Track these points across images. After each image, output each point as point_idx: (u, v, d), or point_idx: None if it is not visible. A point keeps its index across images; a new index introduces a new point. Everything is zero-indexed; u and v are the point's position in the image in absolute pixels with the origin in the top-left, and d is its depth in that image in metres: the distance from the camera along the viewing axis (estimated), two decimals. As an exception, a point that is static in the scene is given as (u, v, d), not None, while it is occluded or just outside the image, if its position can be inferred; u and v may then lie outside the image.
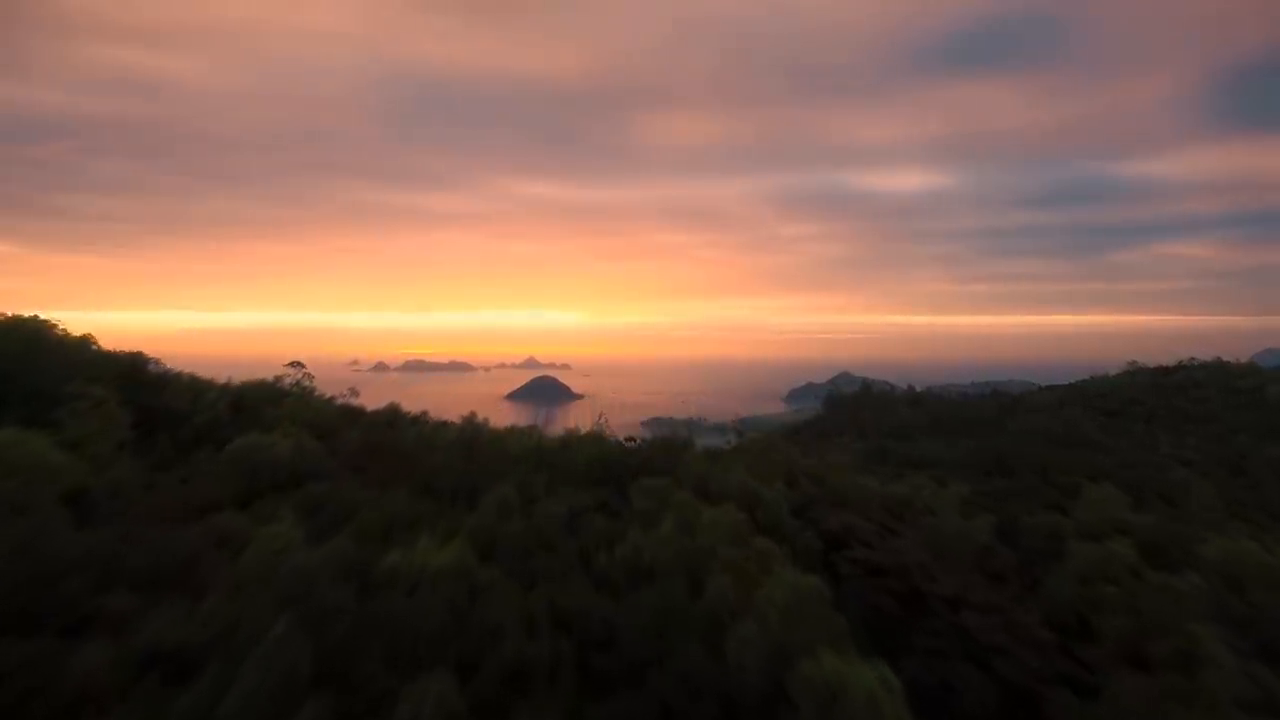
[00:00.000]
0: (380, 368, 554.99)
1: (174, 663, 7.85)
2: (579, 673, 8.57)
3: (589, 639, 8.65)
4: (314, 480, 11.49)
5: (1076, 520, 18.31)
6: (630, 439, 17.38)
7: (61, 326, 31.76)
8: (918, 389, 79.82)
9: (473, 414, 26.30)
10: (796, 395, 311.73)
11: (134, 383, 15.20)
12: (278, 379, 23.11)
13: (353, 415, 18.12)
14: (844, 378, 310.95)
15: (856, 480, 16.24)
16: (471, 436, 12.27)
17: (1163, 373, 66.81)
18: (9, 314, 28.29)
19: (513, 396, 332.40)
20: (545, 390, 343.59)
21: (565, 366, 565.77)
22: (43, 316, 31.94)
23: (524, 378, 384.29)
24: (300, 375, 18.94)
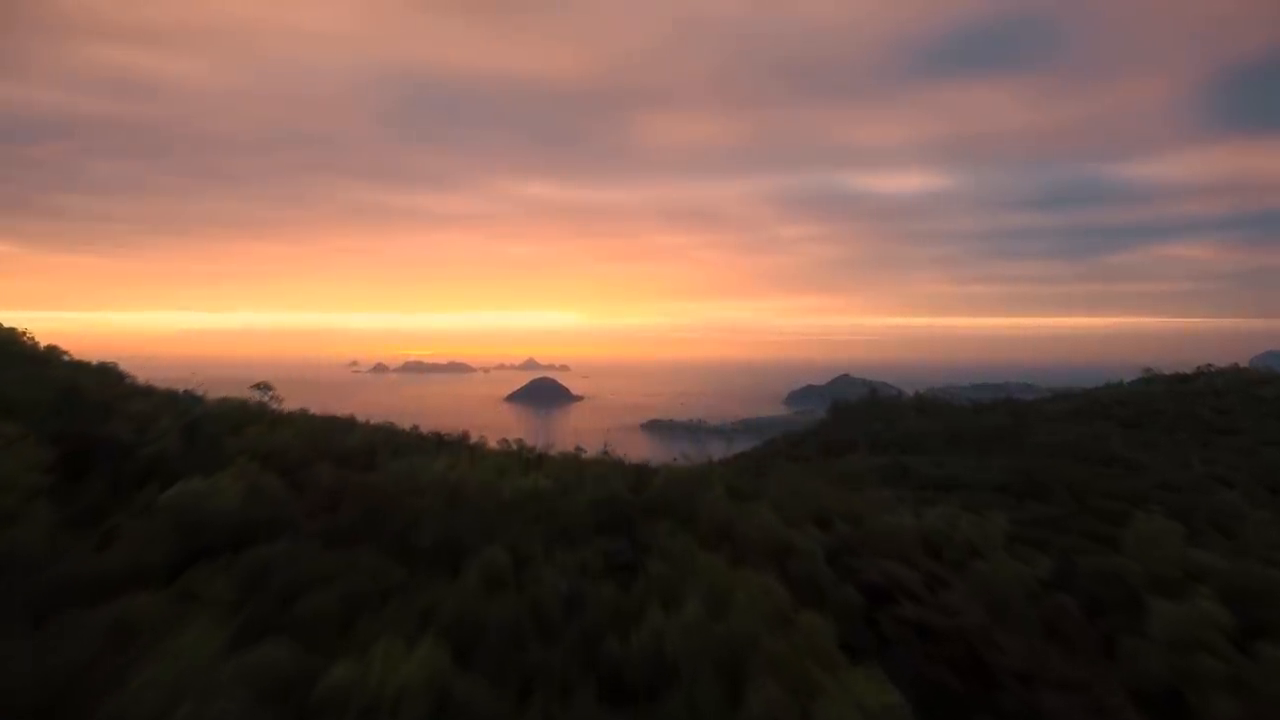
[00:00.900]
0: (379, 369, 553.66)
1: None
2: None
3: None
4: (267, 537, 9.52)
5: (1138, 560, 16.35)
6: (642, 468, 15.49)
7: (29, 335, 29.76)
8: (924, 393, 78.04)
9: (465, 439, 24.35)
10: (797, 397, 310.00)
11: (70, 408, 13.26)
12: (250, 401, 21.20)
13: (330, 439, 16.22)
14: (844, 380, 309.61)
15: (893, 518, 14.30)
16: (457, 482, 10.39)
17: (1180, 380, 64.93)
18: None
19: (512, 398, 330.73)
20: (545, 391, 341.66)
21: (565, 368, 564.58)
22: (11, 324, 29.93)
23: (523, 379, 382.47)
24: (268, 398, 17.06)
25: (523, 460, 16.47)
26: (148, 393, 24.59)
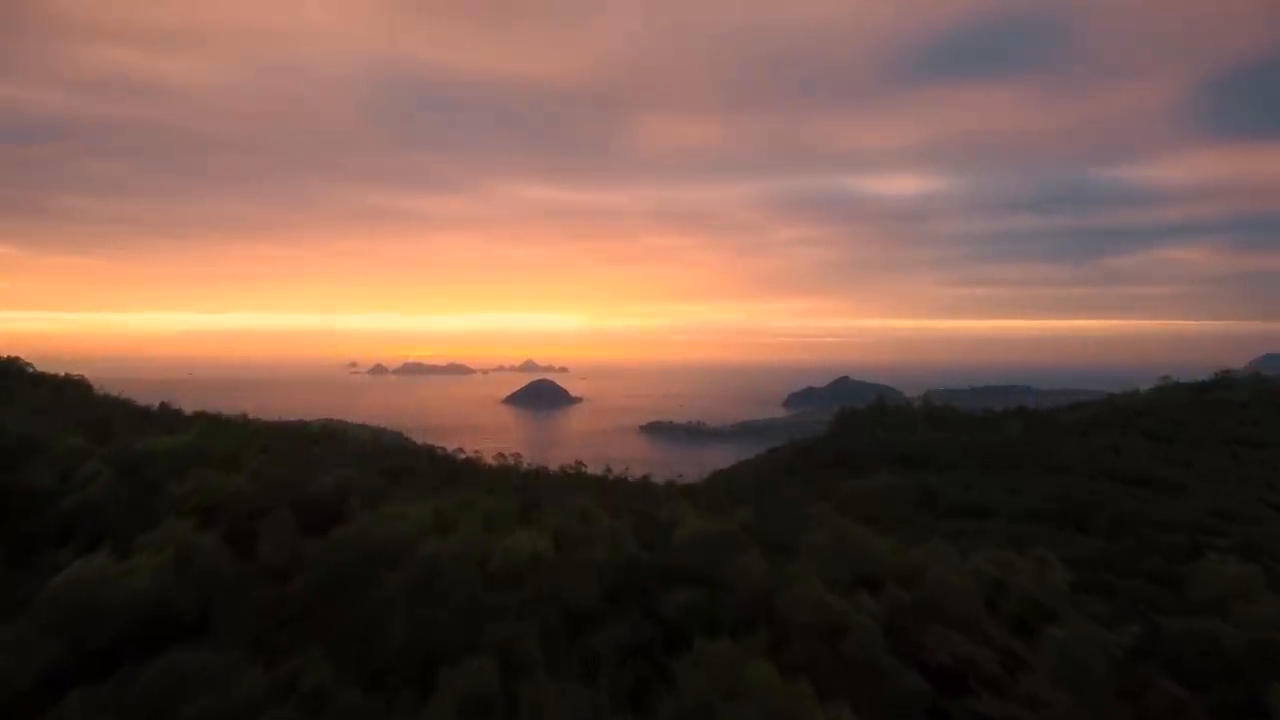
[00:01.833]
0: (378, 370, 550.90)
1: None
2: None
3: None
4: (187, 634, 7.34)
5: (1229, 620, 14.18)
6: (658, 515, 13.30)
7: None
8: (929, 398, 75.88)
9: (459, 457, 22.13)
10: (796, 400, 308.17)
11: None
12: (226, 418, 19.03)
13: (299, 475, 14.04)
14: (844, 382, 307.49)
15: (949, 570, 12.13)
16: (433, 557, 8.23)
17: (1199, 388, 62.70)
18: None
19: (511, 399, 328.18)
20: (543, 393, 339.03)
21: (563, 369, 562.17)
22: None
23: (522, 380, 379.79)
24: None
25: (519, 501, 14.29)
26: (105, 413, 22.49)
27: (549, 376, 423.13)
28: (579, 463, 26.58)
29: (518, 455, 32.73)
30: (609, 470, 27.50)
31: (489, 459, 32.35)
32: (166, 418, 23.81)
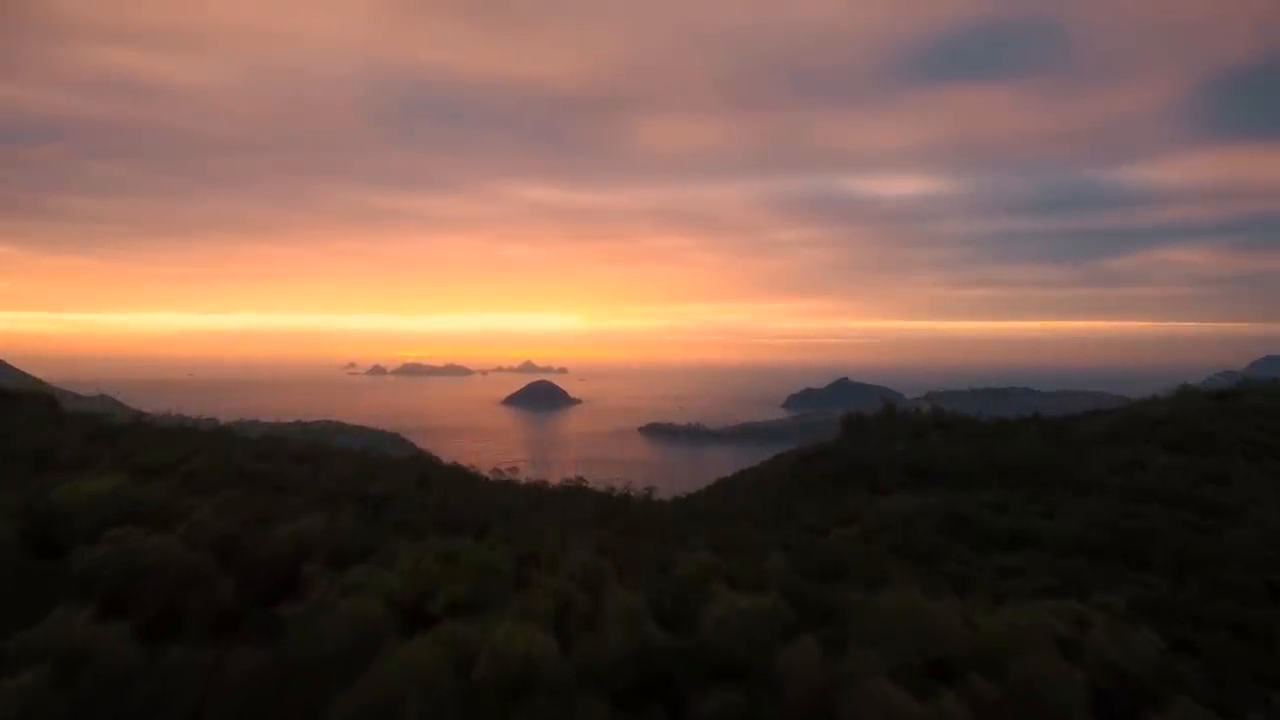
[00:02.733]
0: (377, 370, 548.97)
1: None
2: None
3: None
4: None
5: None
6: (681, 594, 11.07)
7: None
8: (936, 403, 73.62)
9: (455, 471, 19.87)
10: (796, 401, 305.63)
11: None
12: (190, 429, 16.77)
13: (253, 528, 11.70)
14: (844, 384, 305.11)
15: (1036, 645, 9.78)
16: (401, 672, 6.14)
17: (1221, 396, 60.45)
18: None
19: (510, 400, 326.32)
20: (542, 394, 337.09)
21: (563, 370, 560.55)
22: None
23: (521, 381, 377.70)
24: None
25: (514, 555, 12.02)
26: (48, 441, 20.12)
27: (548, 377, 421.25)
28: (579, 478, 24.70)
29: (514, 469, 30.71)
30: (611, 487, 25.62)
31: (486, 472, 30.41)
32: (130, 440, 21.18)
